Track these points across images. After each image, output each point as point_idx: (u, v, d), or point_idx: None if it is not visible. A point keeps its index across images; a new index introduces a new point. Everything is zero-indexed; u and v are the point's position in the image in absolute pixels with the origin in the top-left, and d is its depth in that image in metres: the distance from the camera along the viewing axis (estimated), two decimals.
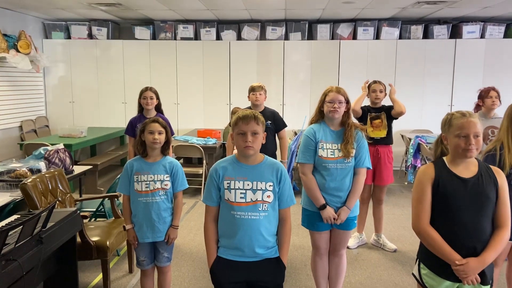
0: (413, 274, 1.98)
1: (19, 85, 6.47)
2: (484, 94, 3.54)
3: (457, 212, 1.79)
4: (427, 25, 6.93)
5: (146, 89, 3.78)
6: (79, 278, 3.21)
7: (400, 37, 6.98)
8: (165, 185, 2.54)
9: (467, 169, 1.84)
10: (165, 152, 2.58)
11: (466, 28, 6.74)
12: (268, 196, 1.92)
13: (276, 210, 1.97)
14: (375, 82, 3.78)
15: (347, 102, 2.62)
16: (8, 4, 5.83)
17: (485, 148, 2.49)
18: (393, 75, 6.97)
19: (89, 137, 6.05)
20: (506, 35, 6.80)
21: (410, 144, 5.71)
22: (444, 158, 1.90)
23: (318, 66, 7.09)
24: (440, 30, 6.83)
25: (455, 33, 6.92)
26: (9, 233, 1.83)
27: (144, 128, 2.51)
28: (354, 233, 4.02)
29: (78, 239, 2.76)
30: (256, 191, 1.91)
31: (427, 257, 1.88)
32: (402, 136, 6.66)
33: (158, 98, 3.82)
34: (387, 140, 3.77)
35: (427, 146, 5.40)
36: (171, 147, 3.92)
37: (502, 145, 2.38)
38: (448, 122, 1.86)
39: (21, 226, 1.89)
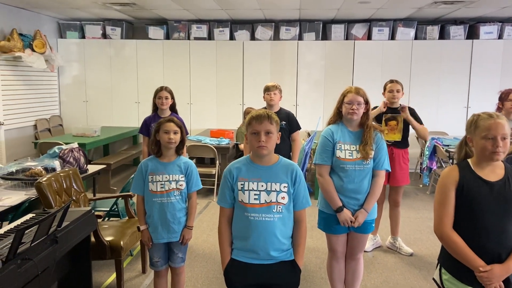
0: (433, 279, 1.92)
1: (34, 84, 6.52)
2: (504, 97, 3.44)
3: (482, 217, 1.73)
4: (444, 26, 6.82)
5: (161, 88, 3.76)
6: (93, 277, 3.21)
7: (416, 38, 6.87)
8: (180, 185, 2.51)
9: (493, 172, 1.77)
10: (179, 152, 2.55)
11: (483, 29, 6.62)
12: (283, 198, 1.87)
13: (291, 212, 1.93)
14: (391, 81, 3.70)
15: (367, 103, 2.57)
16: (24, 3, 5.88)
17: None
18: (408, 76, 6.87)
19: (102, 136, 6.07)
20: None
21: (426, 146, 5.61)
22: (469, 160, 1.84)
23: (332, 67, 7.02)
24: (457, 31, 6.71)
25: (472, 34, 6.79)
26: (25, 232, 1.82)
27: (159, 128, 2.49)
28: (369, 235, 3.96)
29: (93, 239, 2.75)
30: (270, 192, 1.86)
31: (449, 262, 1.81)
32: (417, 138, 6.55)
33: (173, 97, 3.80)
34: (402, 144, 3.68)
35: (443, 148, 5.30)
36: (185, 147, 3.95)
37: None
38: (474, 124, 1.80)
39: (37, 225, 1.88)
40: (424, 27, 6.83)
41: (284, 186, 1.88)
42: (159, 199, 2.48)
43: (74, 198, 3.09)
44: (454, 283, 1.80)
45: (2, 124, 5.62)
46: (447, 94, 6.87)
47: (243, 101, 7.11)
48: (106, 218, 3.55)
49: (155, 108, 3.77)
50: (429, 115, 6.79)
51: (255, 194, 1.86)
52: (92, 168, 3.81)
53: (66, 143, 4.25)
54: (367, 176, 2.52)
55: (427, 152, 5.57)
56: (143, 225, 2.50)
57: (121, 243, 2.83)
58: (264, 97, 3.83)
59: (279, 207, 1.87)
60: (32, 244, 1.91)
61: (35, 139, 6.43)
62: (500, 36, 6.67)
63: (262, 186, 1.87)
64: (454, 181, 1.78)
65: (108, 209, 3.55)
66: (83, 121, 7.32)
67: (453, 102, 6.86)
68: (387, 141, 3.65)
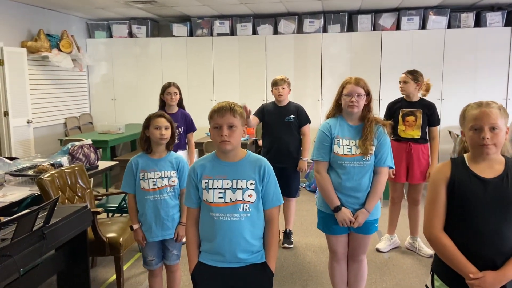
0: (426, 286, 1.74)
1: (63, 83, 6.73)
2: None
3: (474, 218, 1.54)
4: (479, 12, 6.36)
5: (170, 84, 3.74)
6: (98, 273, 3.25)
7: (449, 26, 6.46)
8: (172, 181, 2.46)
9: (491, 168, 1.57)
10: (170, 148, 2.50)
11: None
12: (250, 196, 1.75)
13: (261, 211, 1.80)
14: (404, 72, 3.45)
15: (368, 94, 2.40)
16: (51, 5, 6.07)
17: None
18: (440, 68, 6.48)
19: (126, 133, 6.17)
20: None
21: (457, 140, 5.27)
22: (465, 155, 1.65)
23: (358, 59, 6.75)
24: (494, 18, 6.23)
25: (511, 20, 6.29)
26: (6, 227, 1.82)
27: (149, 124, 2.44)
28: (384, 235, 3.76)
29: (92, 235, 2.77)
30: (236, 190, 1.74)
31: (440, 267, 1.64)
32: (450, 132, 6.18)
33: (180, 93, 3.77)
34: (422, 139, 3.43)
35: None
36: (193, 145, 3.90)
37: None
38: (463, 114, 1.61)
39: (16, 222, 1.88)
40: (457, 14, 6.40)
41: (251, 183, 1.75)
42: (152, 197, 2.44)
43: (79, 194, 3.12)
44: None
45: (31, 122, 5.83)
46: (484, 86, 6.41)
47: (266, 97, 6.99)
48: (116, 214, 3.57)
49: (163, 104, 3.75)
50: None
51: (219, 193, 1.74)
52: (103, 165, 3.85)
53: (92, 140, 4.35)
54: (368, 173, 2.35)
55: (457, 147, 5.23)
56: (135, 224, 2.47)
57: (120, 239, 2.82)
58: (272, 91, 3.73)
59: (246, 206, 1.74)
60: (13, 241, 1.91)
61: (65, 136, 6.64)
62: None
63: (227, 183, 1.75)
64: (445, 178, 1.60)
65: (117, 205, 3.57)
66: (111, 119, 7.48)
67: (491, 94, 6.36)
68: (405, 137, 3.43)
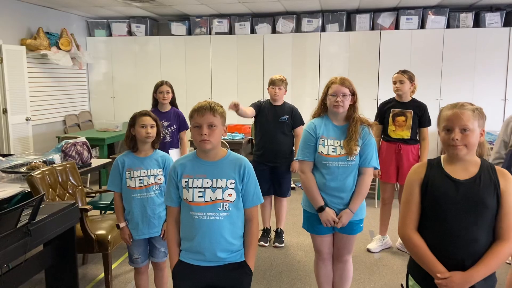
0: (401, 285, 1.75)
1: (62, 81, 6.77)
2: None
3: (445, 218, 1.54)
4: (478, 13, 6.33)
5: (162, 83, 3.76)
6: (89, 270, 3.29)
7: (448, 26, 6.43)
8: (158, 179, 2.48)
9: (465, 170, 1.57)
10: (155, 146, 2.51)
11: None
12: (230, 195, 1.76)
13: (241, 210, 1.81)
14: (398, 72, 3.44)
15: (353, 94, 2.41)
16: (51, 3, 6.11)
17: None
18: (439, 68, 6.46)
19: (123, 131, 6.18)
20: None
21: None
22: (442, 156, 1.65)
23: (356, 59, 6.74)
24: (493, 18, 6.20)
25: (509, 21, 6.26)
26: None
27: (135, 122, 2.46)
28: (376, 235, 3.76)
29: (81, 232, 2.79)
30: (216, 189, 1.75)
31: (414, 267, 1.65)
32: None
33: (173, 92, 3.79)
34: (411, 140, 3.43)
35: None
36: (186, 143, 3.92)
37: None
38: (439, 115, 1.62)
39: None
40: (456, 14, 6.37)
41: (231, 183, 1.77)
42: (139, 195, 2.46)
43: (70, 191, 3.15)
44: None
45: (30, 120, 5.88)
46: (483, 87, 6.39)
47: (263, 96, 7.00)
48: (107, 212, 3.60)
49: (155, 102, 3.77)
50: None
51: (199, 192, 1.76)
52: (96, 162, 3.88)
53: (88, 138, 4.38)
54: (352, 174, 2.36)
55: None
56: (122, 222, 2.49)
57: (109, 237, 2.84)
58: (268, 89, 3.73)
59: (226, 205, 1.76)
60: None
61: (64, 134, 6.69)
62: None
63: (207, 183, 1.76)
64: (419, 178, 1.61)
65: (109, 202, 3.59)
66: (110, 116, 7.51)
67: (489, 94, 6.37)
68: (395, 138, 3.43)
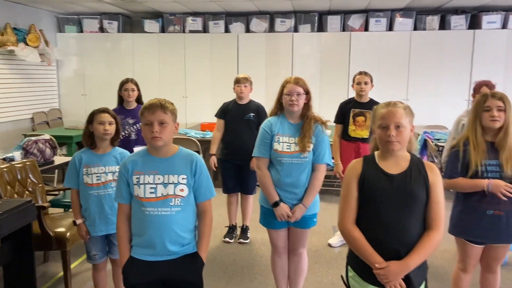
0: (341, 276, 1.83)
1: (30, 77, 6.65)
2: (476, 89, 3.25)
3: (380, 211, 1.63)
4: (444, 15, 6.53)
5: (127, 80, 3.76)
6: (49, 268, 3.27)
7: (415, 28, 6.62)
8: (116, 176, 2.47)
9: (396, 165, 1.67)
10: (114, 143, 2.53)
11: (486, 18, 6.30)
12: (181, 190, 1.80)
13: (192, 205, 1.86)
14: (360, 73, 3.53)
15: (307, 93, 2.48)
16: None
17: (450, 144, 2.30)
18: (406, 68, 6.64)
19: None
20: None
21: (417, 140, 5.41)
22: (376, 152, 1.74)
23: (328, 59, 6.85)
24: (458, 21, 6.42)
25: (474, 24, 6.48)
26: None
27: (93, 119, 2.46)
28: (337, 231, 3.86)
29: (39, 230, 2.78)
30: (167, 185, 1.79)
31: (353, 259, 1.73)
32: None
33: (139, 89, 3.79)
34: (370, 139, 3.52)
35: (433, 142, 5.10)
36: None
37: (467, 141, 2.17)
38: (373, 114, 1.70)
39: None
40: (423, 17, 6.56)
41: (183, 178, 1.81)
42: (96, 192, 2.47)
43: (30, 189, 3.13)
44: (358, 281, 1.72)
45: None
46: (448, 87, 6.60)
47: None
48: (69, 209, 3.58)
49: (121, 100, 3.77)
50: (429, 108, 6.58)
51: (151, 188, 1.79)
52: (59, 160, 3.85)
53: (55, 136, 4.34)
54: (306, 170, 2.43)
55: (418, 147, 5.38)
56: (79, 219, 2.49)
57: (67, 234, 2.84)
58: (234, 88, 3.79)
59: (177, 200, 1.80)
60: None
61: (32, 131, 6.57)
62: (504, 26, 6.32)
63: (159, 179, 1.80)
64: (356, 174, 1.69)
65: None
66: (81, 114, 7.39)
67: (454, 95, 6.58)
68: (354, 137, 3.53)
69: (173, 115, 1.84)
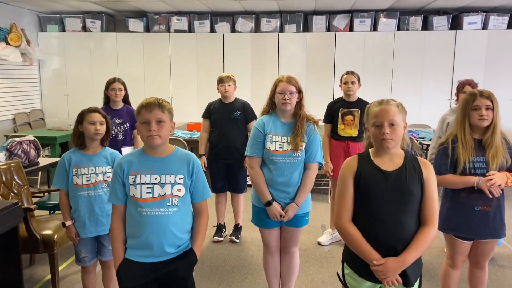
0: (337, 273, 1.85)
1: (12, 77, 6.51)
2: (460, 88, 3.32)
3: (376, 208, 1.65)
4: (427, 16, 6.66)
5: (114, 80, 3.71)
6: (36, 271, 3.21)
7: (398, 29, 6.72)
8: (107, 177, 2.45)
9: (391, 162, 1.69)
10: (104, 143, 2.49)
11: (467, 19, 6.44)
12: (179, 190, 1.79)
13: (189, 205, 1.84)
14: (347, 72, 3.57)
15: (299, 92, 2.49)
16: None
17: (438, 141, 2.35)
18: (390, 68, 6.74)
19: None
20: (510, 26, 6.46)
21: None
22: (370, 150, 1.76)
23: (313, 59, 6.90)
24: (440, 21, 6.54)
25: (455, 24, 6.63)
26: None
27: (83, 119, 2.42)
28: (327, 230, 3.89)
29: (25, 232, 2.72)
30: (164, 185, 1.77)
31: (350, 256, 1.75)
32: None
33: (126, 89, 3.74)
34: (359, 138, 3.57)
35: (417, 141, 5.18)
36: (139, 141, 3.88)
37: (455, 138, 2.22)
38: (367, 112, 1.72)
39: None
40: (406, 17, 6.67)
41: (180, 178, 1.79)
42: (86, 193, 2.42)
43: (15, 191, 3.06)
44: (354, 278, 1.73)
45: None
46: (430, 86, 6.73)
47: None
48: (55, 211, 3.51)
49: (107, 100, 3.72)
50: (412, 107, 6.66)
51: (148, 188, 1.77)
52: (44, 161, 3.78)
53: (38, 137, 4.22)
54: (298, 169, 2.44)
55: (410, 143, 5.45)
56: (68, 221, 2.44)
57: (55, 237, 2.78)
58: (218, 88, 3.78)
59: (175, 200, 1.78)
60: None
61: (14, 132, 6.42)
62: (484, 27, 6.48)
63: (156, 178, 1.78)
64: (352, 172, 1.71)
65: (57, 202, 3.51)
66: (64, 115, 7.29)
67: (436, 94, 6.72)
68: (343, 136, 3.56)
69: (170, 114, 1.82)
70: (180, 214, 1.80)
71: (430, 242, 1.65)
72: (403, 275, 1.63)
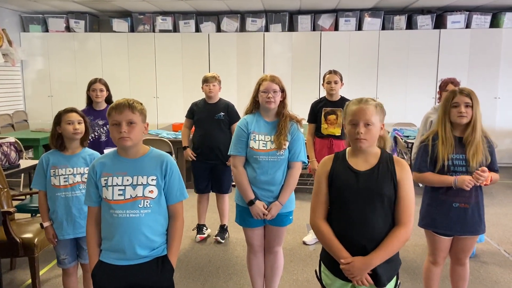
0: (315, 271, 1.84)
1: None
2: (442, 86, 3.35)
3: (347, 207, 1.65)
4: (411, 15, 6.72)
5: (95, 80, 3.65)
6: (17, 276, 3.15)
7: (383, 28, 6.77)
8: (85, 178, 2.40)
9: (365, 161, 1.68)
10: (84, 144, 2.45)
11: (450, 18, 6.52)
12: (151, 192, 1.75)
13: (163, 207, 1.81)
14: (330, 72, 3.56)
15: (283, 91, 2.48)
16: None
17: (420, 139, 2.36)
18: (375, 67, 6.79)
19: None
20: (492, 25, 6.56)
21: None
22: (347, 149, 1.75)
23: (299, 58, 6.91)
24: (424, 20, 6.61)
25: (439, 23, 6.70)
26: None
27: (60, 120, 2.38)
28: (311, 229, 3.88)
29: (4, 236, 2.66)
30: (136, 186, 1.74)
31: (324, 254, 1.74)
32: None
33: (108, 90, 3.69)
34: (342, 137, 3.57)
35: (402, 139, 5.22)
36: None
37: (436, 135, 2.23)
38: (345, 110, 1.72)
39: None
40: (391, 17, 6.72)
41: (152, 179, 1.76)
42: (63, 194, 2.37)
43: None
44: (328, 276, 1.73)
45: None
46: (415, 85, 6.79)
47: None
48: (36, 214, 3.45)
49: (90, 101, 3.66)
50: (397, 106, 6.74)
51: (119, 190, 1.73)
52: (25, 164, 3.71)
53: (20, 139, 4.15)
54: (281, 168, 2.43)
55: (392, 144, 5.50)
56: (46, 222, 2.40)
57: (35, 240, 2.73)
58: (202, 88, 3.75)
59: (147, 202, 1.74)
60: None
61: None
62: (467, 25, 6.57)
63: (128, 180, 1.75)
64: (326, 171, 1.71)
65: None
66: (48, 116, 7.17)
67: (421, 92, 6.78)
68: (327, 134, 3.56)
69: (141, 115, 1.78)
70: (153, 216, 1.77)
71: (402, 243, 1.63)
72: (374, 274, 1.62)
